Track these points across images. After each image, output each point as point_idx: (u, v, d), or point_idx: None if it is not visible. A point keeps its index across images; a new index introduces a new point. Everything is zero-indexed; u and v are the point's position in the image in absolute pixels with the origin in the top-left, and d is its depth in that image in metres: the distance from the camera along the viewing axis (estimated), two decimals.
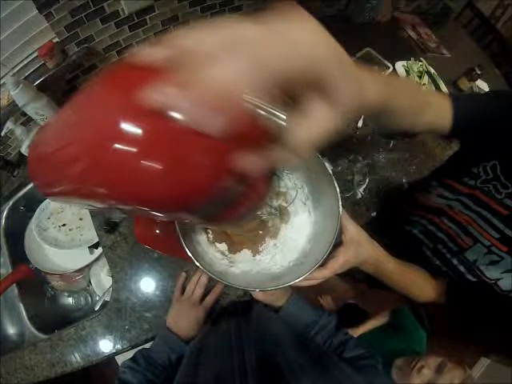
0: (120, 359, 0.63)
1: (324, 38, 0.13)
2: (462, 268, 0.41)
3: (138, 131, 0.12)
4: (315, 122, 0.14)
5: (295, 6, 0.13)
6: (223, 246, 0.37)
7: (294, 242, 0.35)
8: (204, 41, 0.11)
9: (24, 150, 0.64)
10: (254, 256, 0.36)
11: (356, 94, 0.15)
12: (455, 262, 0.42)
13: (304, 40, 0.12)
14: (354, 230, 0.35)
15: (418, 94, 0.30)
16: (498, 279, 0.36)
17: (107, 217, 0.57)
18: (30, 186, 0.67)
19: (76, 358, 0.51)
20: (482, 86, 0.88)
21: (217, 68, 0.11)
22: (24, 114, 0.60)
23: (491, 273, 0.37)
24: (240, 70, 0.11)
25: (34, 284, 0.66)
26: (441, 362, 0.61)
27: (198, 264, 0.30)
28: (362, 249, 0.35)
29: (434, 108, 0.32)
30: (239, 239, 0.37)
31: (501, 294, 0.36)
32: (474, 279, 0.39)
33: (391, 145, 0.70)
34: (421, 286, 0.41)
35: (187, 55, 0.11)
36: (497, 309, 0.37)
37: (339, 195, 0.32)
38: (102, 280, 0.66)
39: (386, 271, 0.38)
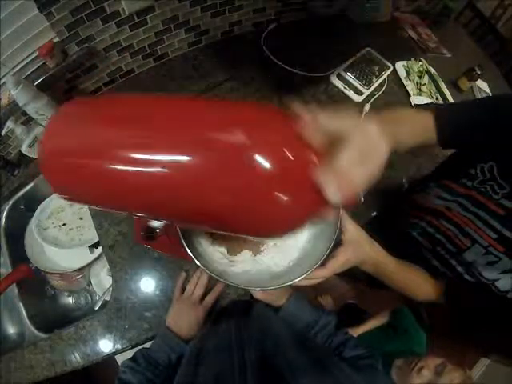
0: (120, 359, 0.63)
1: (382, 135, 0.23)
2: (460, 268, 0.41)
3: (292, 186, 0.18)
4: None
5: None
6: (224, 248, 0.37)
7: (294, 241, 0.35)
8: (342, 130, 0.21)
9: (24, 149, 0.64)
10: (254, 256, 0.35)
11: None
12: (453, 262, 0.42)
13: (384, 151, 0.23)
14: (353, 230, 0.35)
15: (416, 123, 0.36)
16: (496, 280, 0.36)
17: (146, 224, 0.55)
18: (30, 185, 0.67)
19: (76, 358, 0.51)
20: (482, 85, 0.88)
21: (355, 171, 0.20)
22: (24, 114, 0.60)
23: (489, 274, 0.37)
24: (364, 175, 0.20)
25: (34, 283, 0.66)
26: (441, 363, 0.61)
27: (198, 263, 0.30)
28: (361, 249, 0.35)
29: (423, 127, 0.36)
30: (239, 241, 0.37)
31: (499, 294, 0.36)
32: (472, 280, 0.39)
33: None
34: (420, 285, 0.41)
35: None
36: (495, 309, 0.37)
37: None
38: (102, 279, 0.66)
39: (386, 271, 0.38)
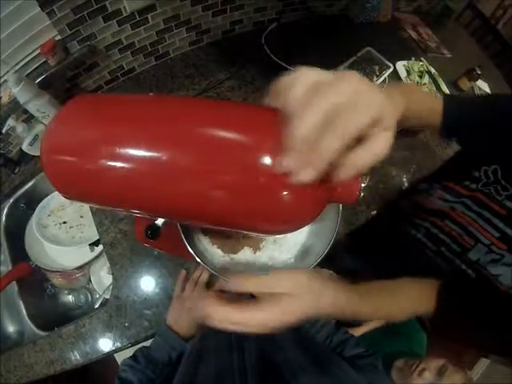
0: (119, 358, 0.63)
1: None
2: (463, 266, 0.41)
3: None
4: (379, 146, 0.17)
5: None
6: (224, 246, 0.37)
7: (294, 237, 0.35)
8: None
9: (25, 147, 0.64)
10: (254, 253, 0.36)
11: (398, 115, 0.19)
12: (458, 261, 0.42)
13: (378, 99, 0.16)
14: (303, 281, 0.26)
15: (424, 101, 0.32)
16: (499, 275, 0.36)
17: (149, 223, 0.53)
18: (31, 183, 0.67)
19: (75, 356, 0.51)
20: (483, 86, 0.88)
21: (326, 135, 0.15)
22: (25, 112, 0.60)
23: (493, 269, 0.37)
24: (337, 145, 0.15)
25: (34, 282, 0.66)
26: (442, 365, 0.61)
27: (199, 260, 0.30)
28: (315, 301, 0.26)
29: (433, 110, 0.33)
30: (239, 238, 0.37)
31: (501, 290, 0.36)
32: (474, 274, 0.39)
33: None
34: (411, 305, 0.33)
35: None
36: (496, 307, 0.36)
37: None
38: (102, 278, 0.66)
39: (362, 316, 0.29)
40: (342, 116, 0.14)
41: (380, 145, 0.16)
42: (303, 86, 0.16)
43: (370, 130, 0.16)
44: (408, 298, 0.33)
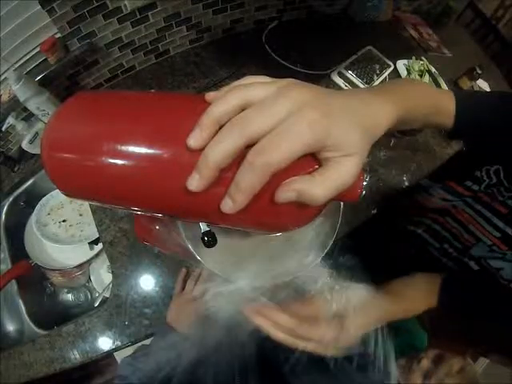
0: (119, 356, 0.63)
1: None
2: (465, 259, 0.41)
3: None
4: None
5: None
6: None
7: (294, 234, 0.35)
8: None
9: (25, 145, 0.64)
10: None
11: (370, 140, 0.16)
12: (460, 256, 0.42)
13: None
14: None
15: (429, 99, 0.30)
16: (501, 268, 0.36)
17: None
18: (31, 181, 0.67)
19: (75, 355, 0.51)
20: (483, 85, 0.88)
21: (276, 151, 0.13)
22: (25, 110, 0.60)
23: (495, 263, 0.37)
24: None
25: (33, 280, 0.66)
26: (440, 353, 0.61)
27: (199, 258, 0.30)
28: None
29: (441, 109, 0.31)
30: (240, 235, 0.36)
31: (503, 284, 0.35)
32: (478, 267, 0.39)
33: (392, 143, 0.70)
34: (422, 299, 0.37)
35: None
36: (497, 302, 0.36)
37: None
38: (102, 276, 0.66)
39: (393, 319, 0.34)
40: (265, 147, 0.12)
41: (332, 175, 0.14)
42: (229, 104, 0.13)
43: (323, 153, 0.14)
44: (419, 293, 0.36)
